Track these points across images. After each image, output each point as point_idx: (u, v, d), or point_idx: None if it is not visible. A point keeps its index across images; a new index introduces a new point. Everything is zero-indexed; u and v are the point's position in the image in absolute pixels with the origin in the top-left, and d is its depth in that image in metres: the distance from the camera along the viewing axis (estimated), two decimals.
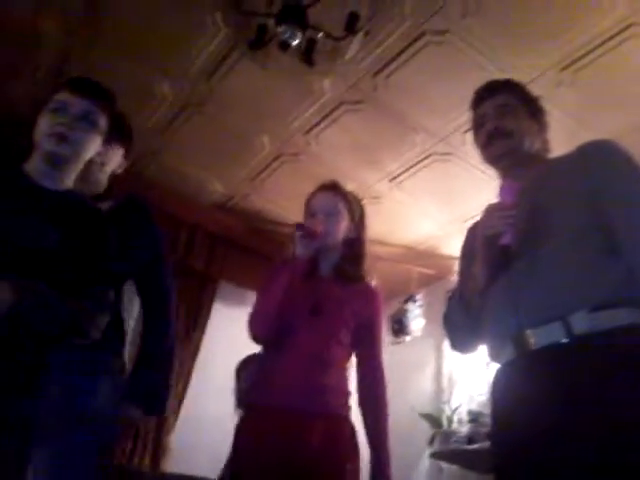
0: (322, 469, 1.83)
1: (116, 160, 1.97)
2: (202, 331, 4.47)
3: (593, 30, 2.77)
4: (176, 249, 4.42)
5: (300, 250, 1.98)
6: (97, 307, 1.55)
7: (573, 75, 3.00)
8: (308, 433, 1.85)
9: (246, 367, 2.77)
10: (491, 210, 1.54)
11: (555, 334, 1.38)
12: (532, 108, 1.74)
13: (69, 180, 1.67)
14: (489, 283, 1.56)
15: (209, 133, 3.80)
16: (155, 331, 1.89)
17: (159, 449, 4.06)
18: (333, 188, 2.19)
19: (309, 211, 2.16)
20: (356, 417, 2.00)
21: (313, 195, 2.19)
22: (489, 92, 1.75)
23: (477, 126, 1.75)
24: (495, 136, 1.66)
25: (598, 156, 1.54)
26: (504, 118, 1.67)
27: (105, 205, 1.82)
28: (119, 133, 1.89)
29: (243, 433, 1.97)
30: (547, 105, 3.26)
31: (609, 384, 1.28)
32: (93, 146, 1.70)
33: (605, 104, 3.15)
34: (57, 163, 1.62)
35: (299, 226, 2.01)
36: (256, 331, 2.02)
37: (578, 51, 2.87)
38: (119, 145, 1.95)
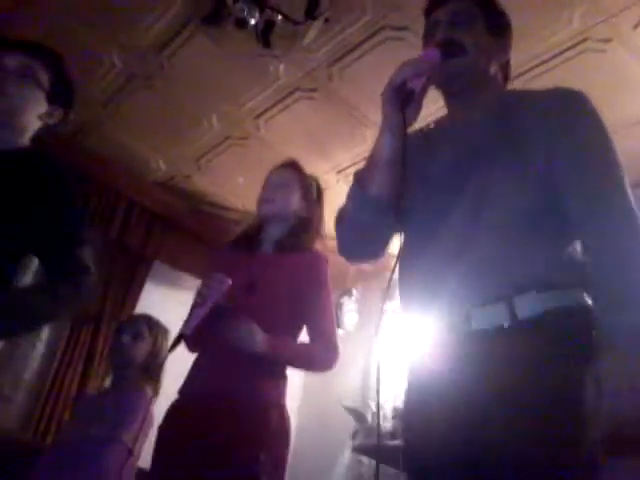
0: (232, 457, 1.72)
1: (54, 117, 1.76)
2: (131, 310, 4.33)
3: (548, 41, 2.82)
4: (112, 225, 4.28)
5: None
6: None
7: (524, 85, 3.04)
8: (224, 419, 1.75)
9: None
10: (406, 61, 1.27)
11: (498, 317, 1.20)
12: (495, 22, 1.42)
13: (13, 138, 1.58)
14: (395, 154, 1.30)
15: (156, 108, 3.68)
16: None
17: None
18: (290, 165, 2.18)
19: (263, 187, 2.12)
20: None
21: (270, 172, 2.17)
22: None
23: (427, 37, 1.43)
24: (445, 50, 1.32)
25: (568, 112, 1.27)
26: (458, 29, 1.37)
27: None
28: (61, 96, 1.76)
29: (164, 427, 1.88)
30: None
31: (532, 372, 1.14)
32: (33, 101, 1.61)
33: None
34: None
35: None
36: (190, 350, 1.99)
37: (532, 61, 2.92)
38: (59, 108, 1.77)
